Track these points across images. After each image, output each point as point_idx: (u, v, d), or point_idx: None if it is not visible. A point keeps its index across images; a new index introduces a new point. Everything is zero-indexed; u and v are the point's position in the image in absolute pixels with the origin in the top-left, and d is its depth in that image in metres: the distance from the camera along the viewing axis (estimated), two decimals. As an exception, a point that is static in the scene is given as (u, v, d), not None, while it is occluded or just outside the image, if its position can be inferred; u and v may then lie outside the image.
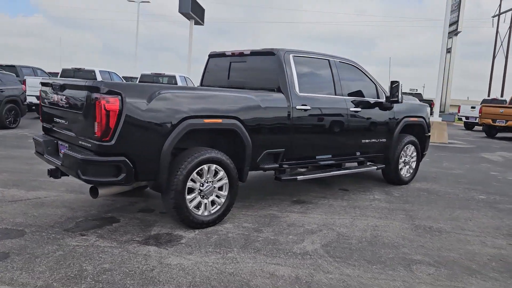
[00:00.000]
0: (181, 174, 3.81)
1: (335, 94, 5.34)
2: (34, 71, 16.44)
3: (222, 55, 5.55)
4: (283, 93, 4.72)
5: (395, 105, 6.10)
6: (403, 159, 6.42)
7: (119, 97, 3.44)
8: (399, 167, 6.37)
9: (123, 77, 20.23)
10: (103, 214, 4.38)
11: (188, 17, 27.97)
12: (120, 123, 3.45)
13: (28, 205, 4.56)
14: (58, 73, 16.87)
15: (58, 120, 4.17)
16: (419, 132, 6.76)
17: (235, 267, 3.25)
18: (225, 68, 5.51)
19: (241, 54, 5.26)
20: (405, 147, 6.39)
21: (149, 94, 3.62)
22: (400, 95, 5.71)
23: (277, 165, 4.77)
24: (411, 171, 6.65)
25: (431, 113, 13.80)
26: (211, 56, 5.73)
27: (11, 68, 15.23)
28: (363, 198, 5.60)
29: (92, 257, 3.29)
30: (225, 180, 4.18)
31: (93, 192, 3.65)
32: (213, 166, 4.05)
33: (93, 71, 15.38)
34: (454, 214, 5.08)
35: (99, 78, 15.04)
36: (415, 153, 6.61)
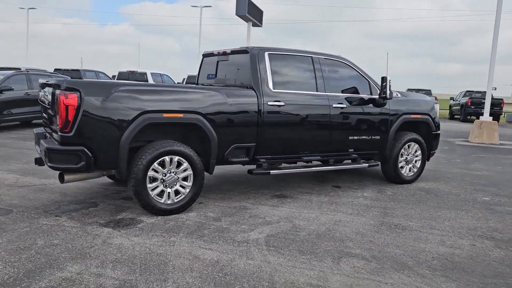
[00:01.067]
0: (141, 164, 4.15)
1: (317, 91, 5.38)
2: (97, 75, 17.99)
3: (211, 54, 5.83)
4: (254, 90, 4.89)
5: (391, 101, 5.96)
6: (404, 157, 6.23)
7: (78, 93, 3.87)
8: (399, 166, 6.19)
9: (189, 76, 21.15)
10: (87, 200, 4.86)
11: (245, 19, 28.62)
12: (78, 116, 3.88)
13: (31, 190, 5.19)
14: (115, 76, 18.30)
15: (44, 115, 4.73)
16: (425, 130, 6.50)
17: (166, 249, 3.51)
18: (214, 67, 5.79)
19: (224, 53, 5.50)
20: (406, 145, 6.19)
21: (106, 91, 4.01)
22: (388, 91, 5.58)
23: (246, 159, 4.94)
24: (415, 170, 6.41)
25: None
26: (204, 55, 6.04)
27: (76, 72, 16.86)
28: (350, 195, 5.55)
29: (49, 234, 3.74)
30: (190, 171, 4.45)
31: (60, 177, 4.11)
32: (176, 158, 4.34)
33: (145, 74, 16.46)
34: (436, 214, 4.88)
35: (150, 80, 16.04)
36: (419, 152, 6.37)
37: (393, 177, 6.25)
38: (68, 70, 16.84)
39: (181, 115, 4.37)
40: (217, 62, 5.72)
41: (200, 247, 3.58)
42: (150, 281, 2.95)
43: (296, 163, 5.76)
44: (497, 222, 4.66)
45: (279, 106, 4.99)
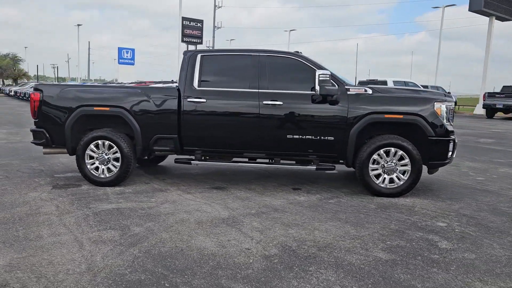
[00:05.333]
0: (81, 145, 5.60)
1: (249, 88, 5.43)
2: (406, 84, 18.32)
3: None
4: (179, 88, 5.53)
5: (353, 99, 5.24)
6: (380, 164, 5.27)
7: (40, 92, 5.68)
8: (370, 174, 5.28)
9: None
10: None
11: (485, 14, 25.77)
12: (40, 108, 5.68)
13: (70, 160, 7.36)
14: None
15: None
16: (420, 134, 5.24)
17: (45, 196, 4.84)
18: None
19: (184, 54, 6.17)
20: (382, 150, 5.22)
21: (57, 91, 5.66)
22: (318, 87, 4.98)
23: (173, 149, 5.60)
24: (400, 182, 5.25)
25: None
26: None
27: (382, 82, 17.17)
28: (283, 197, 5.27)
29: (27, 199, 5.65)
30: (118, 154, 5.59)
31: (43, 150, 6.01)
32: (106, 142, 5.58)
33: (385, 81, 16.20)
34: (325, 225, 4.24)
35: (390, 85, 15.02)
36: (406, 160, 5.20)
37: (364, 186, 5.38)
38: (372, 80, 17.46)
39: (107, 108, 5.57)
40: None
41: (66, 206, 4.75)
42: None
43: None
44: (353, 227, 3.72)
45: (200, 102, 5.43)
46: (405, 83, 16.73)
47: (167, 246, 3.57)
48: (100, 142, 5.60)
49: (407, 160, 5.21)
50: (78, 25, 53.90)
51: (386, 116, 5.22)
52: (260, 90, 5.41)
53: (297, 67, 5.46)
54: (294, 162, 5.77)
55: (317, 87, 5.06)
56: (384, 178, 5.29)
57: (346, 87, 5.32)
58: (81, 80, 63.10)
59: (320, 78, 5.02)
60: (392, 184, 5.29)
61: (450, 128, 5.31)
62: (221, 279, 2.98)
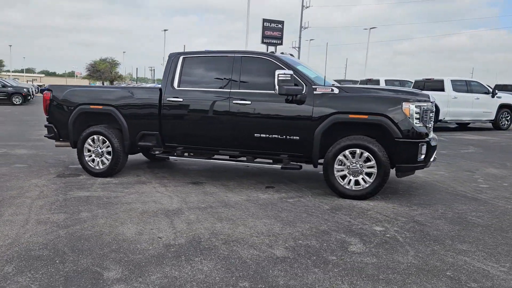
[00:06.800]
0: (80, 139, 6.28)
1: (223, 88, 5.64)
2: (402, 84, 17.79)
3: None
4: (161, 88, 5.94)
5: (319, 98, 5.21)
6: (346, 165, 5.16)
7: (51, 92, 6.46)
8: (336, 175, 5.19)
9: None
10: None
11: None
12: (51, 106, 6.47)
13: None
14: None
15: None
16: (384, 134, 5.03)
17: (41, 183, 5.56)
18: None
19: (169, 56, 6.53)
20: (347, 151, 5.12)
21: (63, 91, 6.40)
22: (278, 86, 5.03)
23: (155, 144, 6.01)
24: (366, 184, 5.09)
25: None
26: None
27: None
28: (248, 194, 5.40)
29: (25, 184, 6.50)
30: (110, 148, 6.17)
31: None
32: (101, 137, 6.19)
33: (442, 80, 14.92)
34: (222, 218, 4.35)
35: (447, 87, 14.65)
36: (373, 162, 5.03)
37: (330, 187, 5.29)
38: (429, 79, 15.73)
39: (101, 107, 6.17)
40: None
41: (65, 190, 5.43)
42: None
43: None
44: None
45: (177, 102, 5.78)
46: (467, 83, 15.19)
47: (93, 230, 3.97)
48: (95, 137, 6.22)
49: (373, 162, 5.03)
50: (164, 30, 57.78)
51: (351, 116, 5.10)
52: (231, 90, 5.61)
53: (269, 67, 5.55)
54: (271, 161, 5.85)
55: (276, 87, 5.12)
56: (350, 179, 5.17)
57: (313, 86, 5.30)
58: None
59: (280, 78, 5.07)
60: (358, 186, 5.14)
61: (422, 130, 5.01)
62: (106, 260, 3.29)
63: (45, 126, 6.67)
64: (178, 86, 5.89)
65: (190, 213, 4.55)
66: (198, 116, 5.77)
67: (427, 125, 5.12)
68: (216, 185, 5.86)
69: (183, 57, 5.98)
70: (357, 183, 5.15)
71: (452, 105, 14.35)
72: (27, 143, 9.65)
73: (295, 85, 5.25)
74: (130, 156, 6.93)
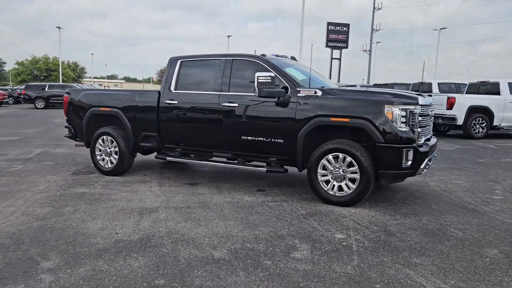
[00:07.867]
0: (92, 139, 6.72)
1: (213, 91, 5.72)
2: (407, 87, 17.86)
3: None
4: (160, 91, 6.16)
5: (302, 100, 5.11)
6: (329, 170, 4.99)
7: (69, 95, 6.98)
8: (319, 179, 5.04)
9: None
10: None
11: None
12: (69, 108, 6.98)
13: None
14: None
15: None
16: (367, 138, 4.80)
17: (53, 179, 6.04)
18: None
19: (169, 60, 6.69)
20: (330, 155, 4.95)
21: (78, 94, 6.87)
22: (257, 88, 4.98)
23: (155, 145, 6.24)
24: (350, 191, 4.88)
25: None
26: None
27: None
28: (234, 196, 5.42)
29: (39, 180, 7.06)
30: (117, 149, 6.52)
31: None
32: (109, 138, 6.57)
33: (498, 83, 13.91)
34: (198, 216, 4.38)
35: (504, 88, 13.59)
36: (356, 167, 4.81)
37: (314, 192, 5.14)
38: (484, 82, 14.57)
39: (109, 109, 6.54)
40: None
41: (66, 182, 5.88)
42: None
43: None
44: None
45: (173, 104, 5.97)
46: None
47: (64, 224, 4.24)
48: (105, 137, 6.62)
49: (356, 168, 4.83)
50: (228, 36, 58.96)
51: (332, 119, 4.93)
52: (221, 93, 5.68)
53: (255, 70, 5.52)
54: (264, 164, 5.82)
55: (256, 89, 5.10)
56: (334, 185, 5.00)
57: (298, 89, 5.20)
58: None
59: (259, 80, 5.04)
60: (342, 192, 4.95)
61: (407, 134, 4.71)
62: (53, 251, 3.51)
63: (65, 127, 7.21)
64: (175, 89, 6.08)
65: (164, 212, 4.69)
66: (192, 118, 5.91)
67: (415, 129, 4.79)
68: (210, 186, 5.95)
69: (181, 61, 6.16)
70: (340, 188, 4.96)
71: (509, 109, 13.16)
72: (70, 142, 10.43)
73: (280, 87, 5.20)
74: (148, 156, 7.29)
